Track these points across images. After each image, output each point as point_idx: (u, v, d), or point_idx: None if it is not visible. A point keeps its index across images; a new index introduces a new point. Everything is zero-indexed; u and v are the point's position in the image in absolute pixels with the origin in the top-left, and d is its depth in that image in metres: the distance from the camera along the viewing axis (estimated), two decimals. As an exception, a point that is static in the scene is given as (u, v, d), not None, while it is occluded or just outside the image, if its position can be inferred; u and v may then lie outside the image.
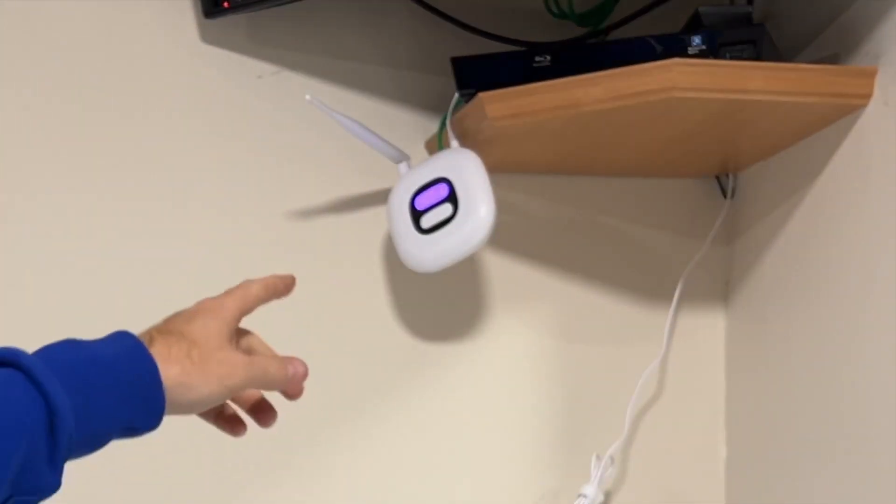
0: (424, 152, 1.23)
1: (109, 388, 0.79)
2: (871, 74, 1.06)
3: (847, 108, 1.08)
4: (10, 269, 1.14)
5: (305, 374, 0.91)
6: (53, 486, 0.76)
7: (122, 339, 0.82)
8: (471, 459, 1.24)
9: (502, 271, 1.27)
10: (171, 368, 0.82)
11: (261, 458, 1.18)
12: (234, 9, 1.14)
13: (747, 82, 1.03)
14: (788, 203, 1.19)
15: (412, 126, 1.24)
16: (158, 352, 0.82)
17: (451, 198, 1.11)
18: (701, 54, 1.06)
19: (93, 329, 1.15)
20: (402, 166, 1.16)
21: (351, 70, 1.24)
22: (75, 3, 1.18)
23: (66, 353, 0.79)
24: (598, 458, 1.20)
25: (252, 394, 0.92)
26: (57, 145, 1.16)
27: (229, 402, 0.91)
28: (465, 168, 1.11)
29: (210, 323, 0.87)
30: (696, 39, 1.07)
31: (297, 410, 1.20)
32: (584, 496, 1.20)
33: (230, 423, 0.93)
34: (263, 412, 0.94)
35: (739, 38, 1.07)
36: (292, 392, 0.92)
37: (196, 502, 1.14)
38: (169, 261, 1.18)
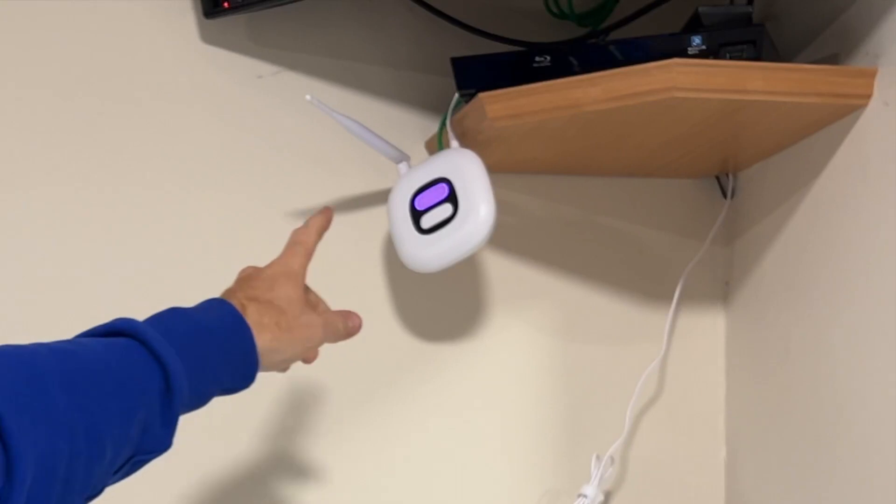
0: (424, 152, 1.23)
1: (214, 353, 0.87)
2: (870, 75, 1.06)
3: (847, 109, 1.08)
4: (9, 268, 1.14)
5: (360, 326, 1.02)
6: (167, 444, 0.83)
7: (221, 308, 0.91)
8: (471, 459, 1.24)
9: (502, 271, 1.27)
10: (264, 335, 0.91)
11: (260, 457, 1.18)
12: (234, 9, 1.14)
13: (747, 82, 1.03)
14: (788, 203, 1.19)
15: (412, 126, 1.24)
16: (253, 320, 0.91)
17: (452, 198, 1.11)
18: (701, 54, 1.06)
19: (93, 325, 1.16)
20: (402, 166, 1.16)
21: (351, 70, 1.24)
22: (75, 3, 1.18)
23: (175, 321, 0.87)
24: (598, 458, 1.20)
25: None
26: (57, 145, 1.16)
27: None
28: (466, 168, 1.11)
29: (290, 291, 0.96)
30: (696, 39, 1.07)
31: (297, 410, 1.20)
32: (584, 496, 1.20)
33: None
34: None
35: (739, 38, 1.07)
36: (312, 357, 1.01)
37: (197, 501, 1.14)
38: (169, 260, 1.18)
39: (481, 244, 1.10)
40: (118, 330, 0.83)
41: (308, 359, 1.01)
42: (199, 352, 0.86)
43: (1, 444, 0.69)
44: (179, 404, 0.83)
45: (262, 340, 0.91)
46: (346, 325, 1.01)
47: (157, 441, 0.82)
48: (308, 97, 1.07)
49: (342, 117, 1.10)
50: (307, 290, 1.00)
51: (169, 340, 0.83)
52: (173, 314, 0.88)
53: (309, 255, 1.02)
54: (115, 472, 0.81)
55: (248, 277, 0.98)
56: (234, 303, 0.92)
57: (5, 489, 0.69)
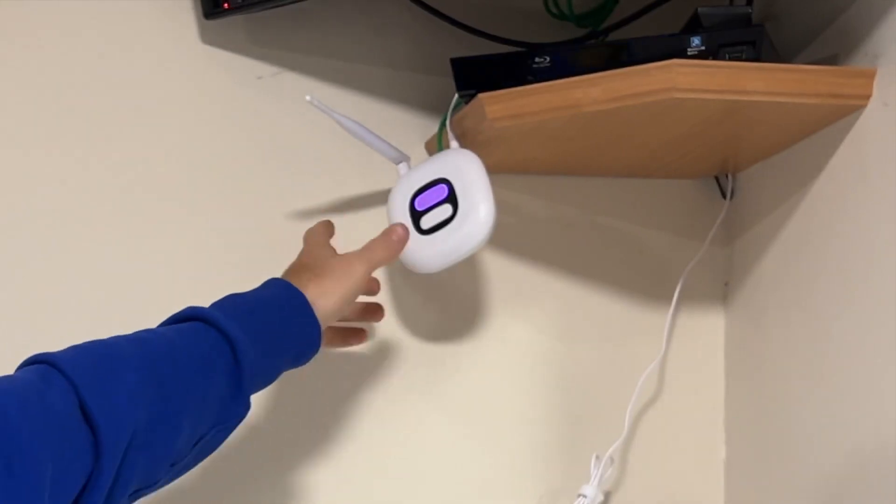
0: (424, 153, 1.23)
1: (273, 321, 0.97)
2: (870, 75, 1.06)
3: (846, 109, 1.08)
4: (10, 268, 1.14)
5: (405, 233, 1.10)
6: (243, 413, 0.93)
7: (269, 282, 1.01)
8: (470, 459, 1.24)
9: (502, 271, 1.27)
10: (309, 288, 1.00)
11: (260, 456, 1.18)
12: (234, 10, 1.14)
13: (746, 83, 1.03)
14: (788, 203, 1.19)
15: (412, 126, 1.24)
16: (295, 283, 1.00)
17: (452, 198, 1.11)
18: (700, 55, 1.06)
19: (94, 326, 1.16)
20: (402, 166, 1.16)
21: (351, 71, 1.24)
22: (75, 3, 1.18)
23: (234, 302, 0.97)
24: (598, 458, 1.20)
25: (355, 307, 1.10)
26: (56, 146, 1.16)
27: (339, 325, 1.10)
28: (466, 168, 1.11)
29: (315, 249, 1.07)
30: (696, 40, 1.07)
31: (297, 409, 1.20)
32: (584, 496, 1.20)
33: (354, 336, 1.15)
34: (372, 312, 1.15)
35: (739, 38, 1.06)
36: (374, 287, 1.13)
37: (198, 501, 1.14)
38: (168, 260, 1.18)
39: (481, 245, 1.10)
40: (186, 316, 0.93)
41: (371, 290, 1.12)
42: (260, 323, 0.95)
43: (88, 426, 0.78)
44: (250, 375, 0.92)
45: (309, 293, 1.00)
46: (387, 242, 1.09)
47: (230, 412, 0.92)
48: (308, 98, 1.07)
49: (342, 118, 1.10)
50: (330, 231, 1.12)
51: (232, 317, 0.93)
52: (231, 297, 0.98)
53: (327, 223, 1.12)
54: (196, 444, 0.90)
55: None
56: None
57: (97, 464, 0.78)
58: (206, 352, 0.90)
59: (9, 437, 0.71)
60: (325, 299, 1.01)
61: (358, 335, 1.15)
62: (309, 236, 1.11)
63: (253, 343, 0.93)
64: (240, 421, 0.94)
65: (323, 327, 1.01)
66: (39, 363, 0.80)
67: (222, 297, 0.97)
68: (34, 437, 0.73)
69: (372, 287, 1.13)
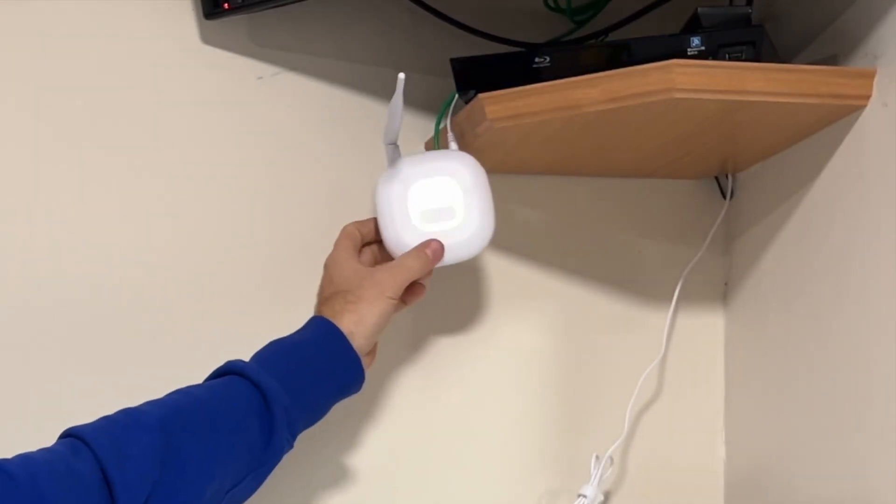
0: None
1: (311, 360, 1.00)
2: (869, 76, 1.06)
3: (845, 110, 1.08)
4: (9, 268, 1.14)
5: (441, 248, 1.08)
6: (276, 460, 0.98)
7: (308, 322, 1.04)
8: (470, 459, 1.24)
9: (502, 271, 1.27)
10: (343, 319, 1.02)
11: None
12: (234, 10, 1.14)
13: (746, 83, 1.03)
14: (787, 204, 1.19)
15: (412, 126, 1.23)
16: (329, 314, 1.03)
17: (452, 200, 1.11)
18: (700, 55, 1.06)
19: (93, 328, 1.16)
20: (391, 148, 1.12)
21: (351, 71, 1.24)
22: (75, 3, 1.18)
23: (272, 350, 1.01)
24: (598, 458, 1.20)
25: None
26: (56, 145, 1.16)
27: None
28: (467, 172, 1.11)
29: (343, 271, 1.07)
30: (695, 40, 1.07)
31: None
32: (584, 496, 1.20)
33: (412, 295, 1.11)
34: (414, 294, 1.10)
35: (738, 39, 1.06)
36: (417, 291, 1.10)
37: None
38: (168, 260, 1.18)
39: (480, 249, 1.10)
40: (223, 371, 0.99)
41: (410, 298, 1.09)
42: (296, 367, 1.00)
43: (107, 489, 0.87)
44: (285, 422, 0.97)
45: (345, 323, 1.02)
46: (421, 256, 1.07)
47: (263, 460, 0.97)
48: (402, 75, 1.02)
49: (400, 99, 1.06)
50: (361, 256, 1.10)
51: (265, 366, 0.98)
52: (272, 344, 1.02)
53: (350, 237, 1.10)
54: (230, 490, 0.96)
55: (318, 291, 1.10)
56: (316, 313, 1.06)
57: None
58: (237, 406, 0.96)
59: (37, 498, 0.84)
60: (361, 326, 1.03)
61: (415, 292, 1.11)
62: (332, 264, 1.10)
63: (288, 390, 0.98)
64: (274, 466, 0.99)
65: (364, 351, 1.04)
66: (70, 436, 0.91)
67: (266, 343, 1.03)
68: (58, 498, 0.85)
69: (416, 291, 1.10)
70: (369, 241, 1.12)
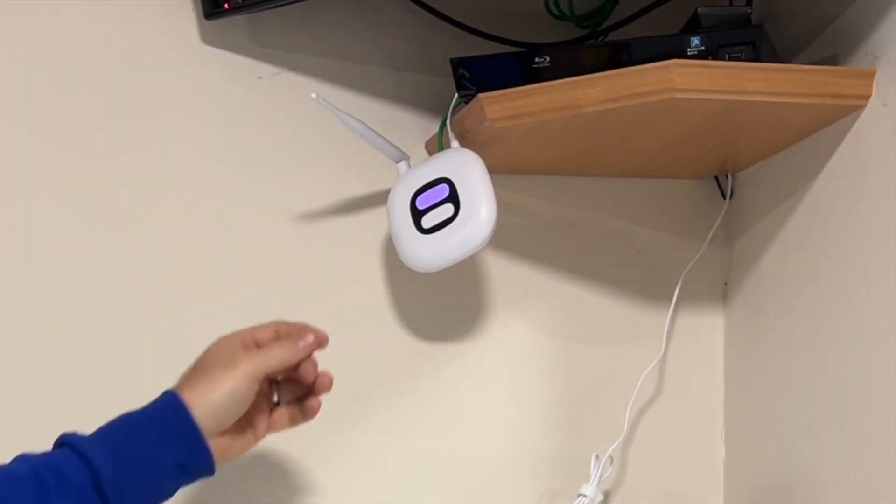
0: (424, 153, 1.23)
1: (144, 434, 0.92)
2: (869, 75, 1.06)
3: (845, 110, 1.08)
4: (10, 268, 1.14)
5: (317, 342, 1.01)
6: None
7: (161, 396, 0.95)
8: (470, 459, 1.24)
9: (502, 271, 1.27)
10: (183, 391, 0.94)
11: (260, 456, 1.18)
12: (234, 10, 1.14)
13: (746, 83, 1.03)
14: (787, 204, 1.19)
15: (412, 127, 1.24)
16: (177, 386, 0.95)
17: (453, 198, 1.11)
18: (700, 55, 1.06)
19: (94, 329, 1.16)
20: (402, 165, 1.16)
21: (351, 71, 1.24)
22: (75, 3, 1.18)
23: (111, 422, 0.93)
24: (598, 458, 1.20)
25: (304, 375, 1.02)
26: (56, 146, 1.17)
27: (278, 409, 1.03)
28: (467, 168, 1.11)
29: (217, 347, 0.98)
30: (695, 40, 1.07)
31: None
32: (584, 496, 1.20)
33: (302, 413, 1.04)
34: (308, 410, 1.04)
35: (738, 39, 1.07)
36: (314, 383, 1.03)
37: (199, 500, 1.14)
38: (168, 261, 1.18)
39: (482, 245, 1.10)
40: (58, 443, 0.91)
41: (296, 416, 1.03)
42: (126, 437, 0.91)
43: None
44: (112, 489, 0.89)
45: (185, 394, 0.94)
46: (290, 346, 1.00)
47: None
48: (314, 96, 1.07)
49: (346, 116, 1.10)
50: (249, 335, 1.00)
51: (94, 439, 0.91)
52: (116, 418, 0.93)
53: (261, 327, 1.01)
54: None
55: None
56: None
57: None
58: (70, 475, 0.88)
59: None
60: (201, 398, 0.94)
61: (304, 413, 1.04)
62: (218, 341, 1.00)
63: (115, 462, 0.89)
64: None
65: (212, 431, 0.94)
66: None
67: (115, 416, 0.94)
68: None
69: (310, 408, 1.04)
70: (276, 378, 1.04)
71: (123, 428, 0.92)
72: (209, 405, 0.94)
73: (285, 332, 1.01)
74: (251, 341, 1.00)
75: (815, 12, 1.16)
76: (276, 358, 0.98)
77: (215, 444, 0.95)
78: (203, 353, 0.98)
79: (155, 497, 0.93)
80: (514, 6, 1.27)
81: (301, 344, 1.00)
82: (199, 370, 0.96)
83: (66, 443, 0.91)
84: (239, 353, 0.97)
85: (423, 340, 1.25)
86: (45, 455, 0.90)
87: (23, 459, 0.89)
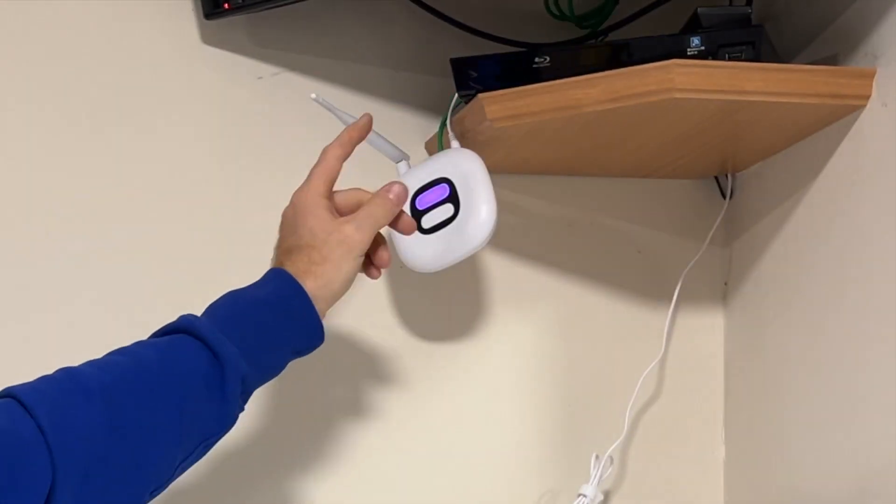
0: (424, 153, 1.23)
1: (271, 320, 0.93)
2: (869, 75, 1.06)
3: (845, 109, 1.08)
4: (10, 269, 1.14)
5: (404, 190, 1.01)
6: (225, 424, 0.91)
7: (270, 275, 0.96)
8: (470, 459, 1.24)
9: (502, 271, 1.27)
10: (307, 280, 0.94)
11: (261, 456, 1.18)
12: (234, 10, 1.14)
13: (746, 83, 1.03)
14: (787, 204, 1.19)
15: (412, 126, 1.24)
16: (293, 272, 0.95)
17: (453, 198, 1.11)
18: (700, 55, 1.06)
19: (96, 328, 1.16)
20: (402, 165, 1.15)
21: (351, 71, 1.24)
22: (75, 3, 1.18)
23: (230, 308, 0.93)
24: (598, 458, 1.20)
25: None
26: (57, 145, 1.17)
27: None
28: (467, 168, 1.11)
29: (311, 222, 0.97)
30: (695, 40, 1.07)
31: (298, 410, 1.20)
32: (584, 496, 1.20)
33: (377, 267, 1.04)
34: (380, 259, 1.03)
35: (738, 39, 1.07)
36: (403, 227, 1.03)
37: (199, 500, 1.14)
38: (168, 261, 1.18)
39: (482, 245, 1.10)
40: (176, 328, 0.91)
41: (372, 272, 1.03)
42: (254, 327, 0.92)
43: (47, 449, 0.80)
44: (237, 390, 0.90)
45: (309, 285, 0.94)
46: (385, 203, 1.00)
47: (212, 424, 0.90)
48: (313, 95, 1.07)
49: (345, 115, 1.10)
50: (331, 201, 1.00)
51: (222, 327, 0.90)
52: (229, 297, 0.94)
53: (328, 170, 1.01)
54: (183, 462, 0.89)
55: (280, 228, 1.01)
56: (276, 264, 0.98)
57: (53, 484, 0.80)
58: (189, 372, 0.88)
59: None
60: (326, 291, 0.96)
61: (381, 260, 1.04)
62: (300, 207, 1.00)
63: (246, 355, 0.90)
64: (226, 429, 0.92)
65: (325, 315, 0.96)
66: (8, 397, 0.84)
67: (221, 295, 0.95)
68: None
69: (381, 259, 1.04)
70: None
71: (250, 314, 0.93)
72: (332, 296, 0.96)
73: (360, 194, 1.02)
74: (337, 175, 1.01)
75: (815, 12, 1.16)
76: (379, 218, 0.99)
77: None
78: (294, 226, 0.98)
79: (272, 377, 0.95)
80: (514, 6, 1.27)
81: (392, 196, 1.01)
82: (312, 248, 0.96)
83: (187, 330, 0.90)
84: (348, 229, 0.97)
85: (423, 340, 1.25)
86: (167, 347, 0.90)
87: (138, 353, 0.89)
